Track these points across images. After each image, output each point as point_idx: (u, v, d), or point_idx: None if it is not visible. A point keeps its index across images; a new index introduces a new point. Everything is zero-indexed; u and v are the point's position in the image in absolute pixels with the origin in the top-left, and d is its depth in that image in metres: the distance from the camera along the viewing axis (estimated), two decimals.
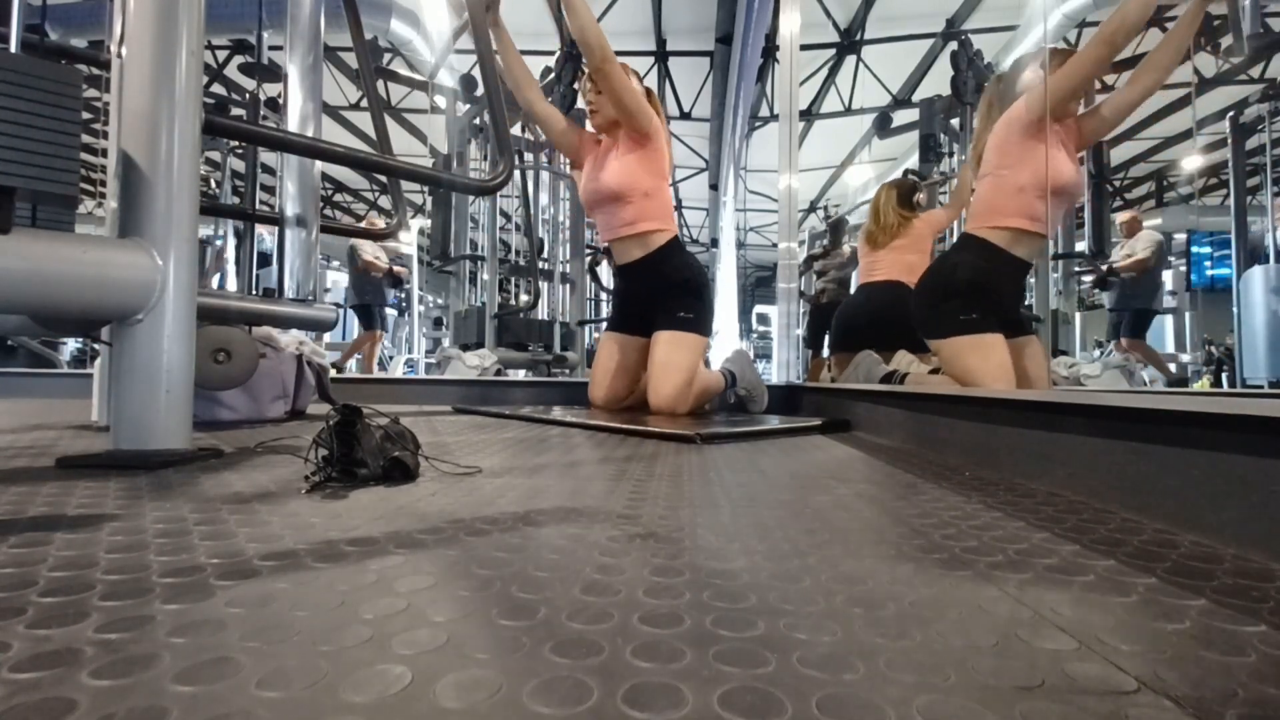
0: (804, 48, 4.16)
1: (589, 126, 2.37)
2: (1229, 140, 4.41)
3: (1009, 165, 1.85)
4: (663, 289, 2.22)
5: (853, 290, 6.16)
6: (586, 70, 2.18)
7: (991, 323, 1.86)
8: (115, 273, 1.01)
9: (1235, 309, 4.05)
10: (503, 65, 2.24)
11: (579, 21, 2.02)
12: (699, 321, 2.21)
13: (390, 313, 6.78)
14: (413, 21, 5.48)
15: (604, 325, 2.95)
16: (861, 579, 0.50)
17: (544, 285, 5.77)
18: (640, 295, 2.28)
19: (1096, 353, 4.94)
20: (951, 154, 4.98)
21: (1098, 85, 1.88)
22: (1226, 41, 4.13)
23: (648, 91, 2.28)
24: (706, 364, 2.40)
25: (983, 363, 1.83)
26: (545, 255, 5.93)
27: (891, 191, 3.09)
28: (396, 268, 6.04)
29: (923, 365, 2.26)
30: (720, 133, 7.13)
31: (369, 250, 5.77)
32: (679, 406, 2.10)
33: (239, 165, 6.83)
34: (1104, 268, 4.55)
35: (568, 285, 5.93)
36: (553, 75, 5.46)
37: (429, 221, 5.45)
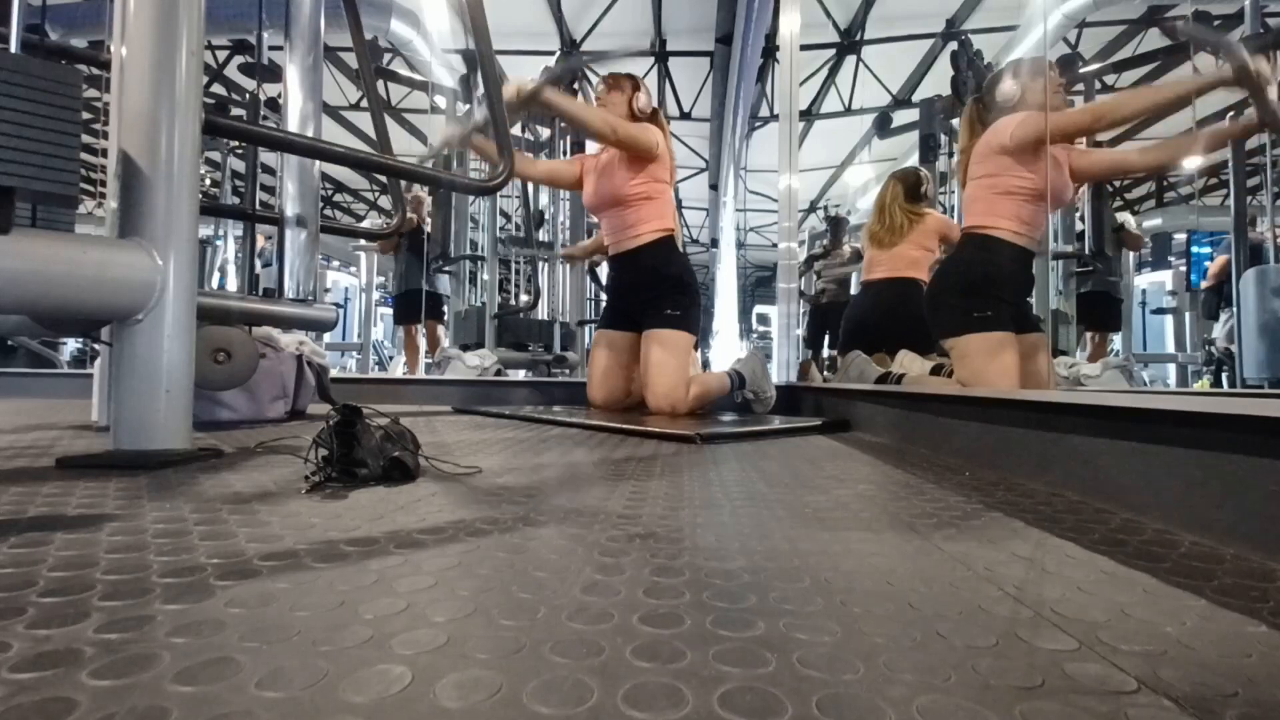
0: (804, 48, 4.15)
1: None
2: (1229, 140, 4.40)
3: (994, 174, 1.93)
4: (652, 282, 2.27)
5: (854, 289, 6.08)
6: (597, 75, 2.34)
7: (1004, 320, 1.90)
8: (115, 273, 1.01)
9: (1235, 309, 4.04)
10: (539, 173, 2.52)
11: (579, 123, 2.18)
12: (686, 319, 2.25)
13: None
14: (413, 21, 5.47)
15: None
16: (861, 579, 0.50)
17: (543, 272, 5.62)
18: (631, 285, 2.33)
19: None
20: (951, 154, 4.98)
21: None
22: None
23: (654, 111, 2.34)
24: (706, 365, 2.42)
25: (993, 361, 1.87)
26: (545, 238, 5.86)
27: (898, 186, 2.92)
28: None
29: (925, 364, 2.27)
30: (720, 133, 7.12)
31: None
32: (677, 404, 2.12)
33: (239, 165, 6.82)
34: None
35: (567, 266, 5.79)
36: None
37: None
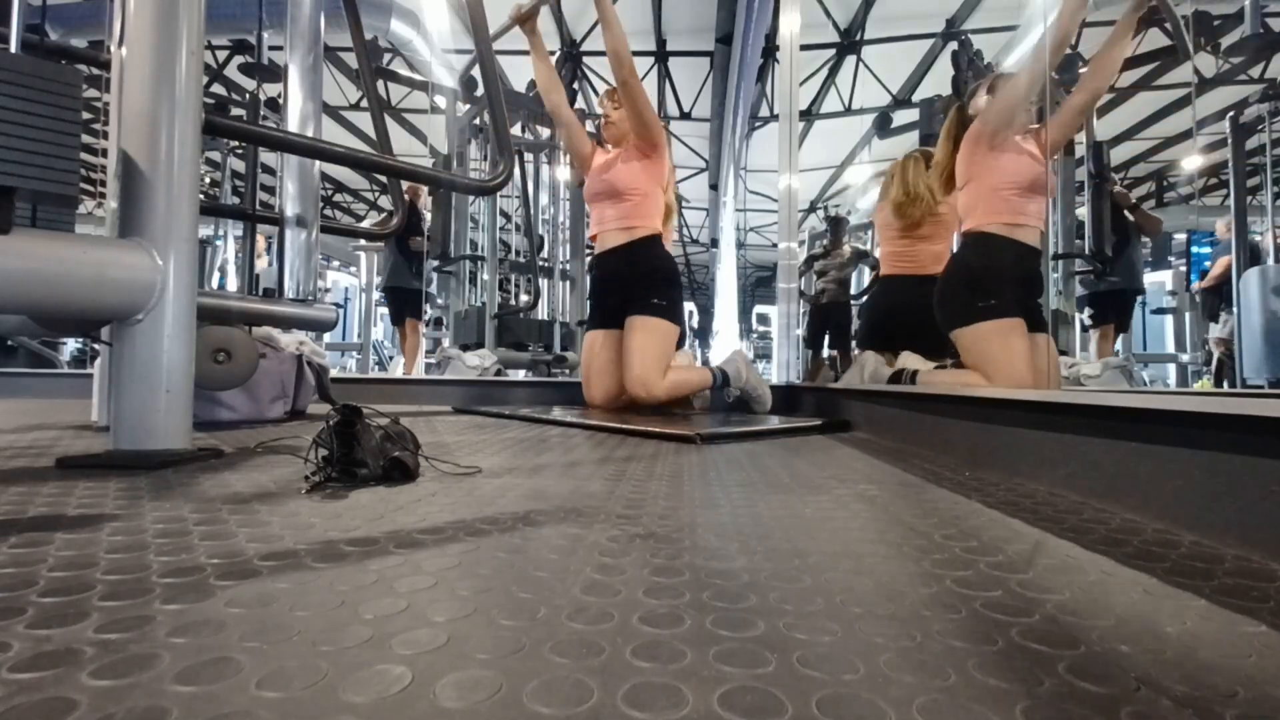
0: (804, 48, 4.15)
1: (602, 133, 2.53)
2: (1229, 140, 4.40)
3: (980, 174, 1.98)
4: (637, 276, 2.32)
5: (857, 281, 5.99)
6: (611, 84, 2.35)
7: (1011, 307, 1.90)
8: (115, 273, 1.01)
9: (1235, 309, 4.04)
10: (535, 69, 2.52)
11: (614, 35, 2.16)
12: (672, 310, 2.30)
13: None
14: (413, 21, 5.47)
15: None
16: (861, 579, 0.50)
17: (544, 284, 5.60)
18: (616, 281, 2.38)
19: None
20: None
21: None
22: (1227, 41, 4.13)
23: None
24: (706, 365, 2.44)
25: (1002, 349, 1.87)
26: (545, 255, 5.89)
27: (920, 163, 2.70)
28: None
29: (927, 364, 2.26)
30: (720, 133, 7.12)
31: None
32: (652, 388, 2.15)
33: (239, 165, 6.82)
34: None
35: (568, 282, 5.84)
36: None
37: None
